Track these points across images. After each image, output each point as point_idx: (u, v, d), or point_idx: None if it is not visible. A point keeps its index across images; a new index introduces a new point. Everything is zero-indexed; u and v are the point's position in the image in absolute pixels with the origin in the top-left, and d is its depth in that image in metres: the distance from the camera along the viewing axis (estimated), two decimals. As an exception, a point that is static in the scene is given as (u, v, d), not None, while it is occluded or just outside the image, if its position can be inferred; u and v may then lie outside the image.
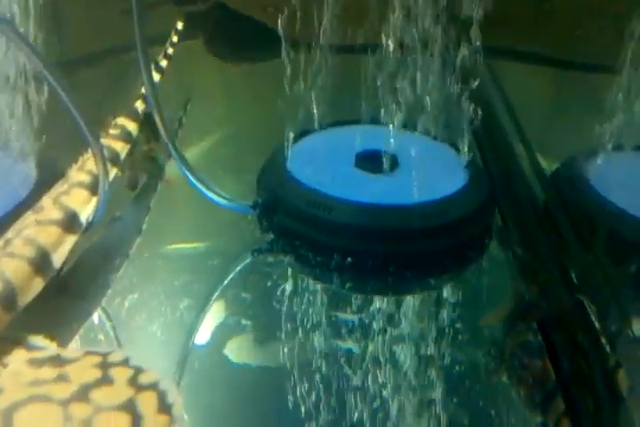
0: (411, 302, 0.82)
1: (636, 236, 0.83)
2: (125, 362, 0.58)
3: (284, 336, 0.74)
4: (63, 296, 0.71)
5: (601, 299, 0.72)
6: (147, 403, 0.53)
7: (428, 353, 0.74)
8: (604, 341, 0.67)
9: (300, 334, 0.74)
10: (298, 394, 0.66)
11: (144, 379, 0.57)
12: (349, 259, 0.84)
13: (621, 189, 0.92)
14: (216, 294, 0.81)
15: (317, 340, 0.73)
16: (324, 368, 0.70)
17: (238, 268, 0.85)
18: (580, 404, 0.61)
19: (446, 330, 0.76)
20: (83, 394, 0.53)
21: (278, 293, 0.80)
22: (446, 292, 0.83)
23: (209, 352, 0.73)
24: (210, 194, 0.88)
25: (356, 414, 0.65)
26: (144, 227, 0.89)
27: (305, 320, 0.76)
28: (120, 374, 0.56)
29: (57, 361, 0.54)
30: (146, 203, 0.92)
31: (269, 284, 0.81)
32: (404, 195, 0.89)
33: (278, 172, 0.92)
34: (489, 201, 0.94)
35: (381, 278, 0.84)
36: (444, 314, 0.79)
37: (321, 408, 0.65)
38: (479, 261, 0.88)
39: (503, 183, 1.01)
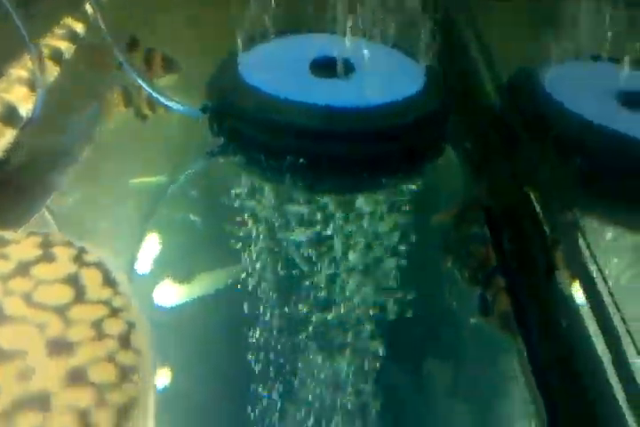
0: (363, 201, 0.82)
1: (583, 135, 0.84)
2: (69, 243, 0.57)
3: (235, 231, 0.74)
4: (9, 190, 0.71)
5: (545, 189, 0.73)
6: (90, 277, 0.53)
7: (380, 247, 0.75)
8: (545, 226, 0.68)
9: (251, 227, 0.74)
10: (249, 286, 0.67)
11: (88, 258, 0.56)
12: (302, 160, 0.84)
13: (573, 94, 0.93)
14: (167, 193, 0.81)
15: (266, 234, 0.74)
16: (270, 260, 0.71)
17: (190, 170, 0.85)
18: (519, 279, 0.62)
19: (398, 226, 0.77)
20: (23, 270, 0.52)
21: (229, 192, 0.80)
22: (399, 192, 0.84)
23: (158, 249, 0.73)
24: (160, 97, 0.87)
25: (309, 296, 0.66)
26: (95, 132, 0.88)
27: (256, 216, 0.76)
28: (63, 253, 0.55)
29: (-2, 241, 0.53)
30: (96, 109, 0.91)
31: (220, 184, 0.81)
32: (358, 98, 0.88)
33: (230, 76, 0.91)
34: (444, 105, 0.94)
35: (334, 179, 0.84)
36: (396, 212, 0.80)
37: (273, 292, 0.66)
38: (433, 162, 0.89)
39: (460, 89, 1.00)
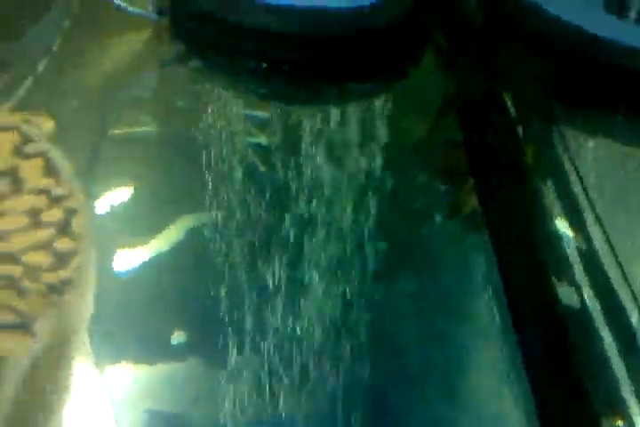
0: (331, 107, 0.79)
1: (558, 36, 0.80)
2: (17, 126, 0.53)
3: (193, 136, 0.71)
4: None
5: (520, 91, 0.70)
6: (31, 168, 0.49)
7: (350, 152, 0.72)
8: (518, 126, 0.66)
9: (210, 132, 0.71)
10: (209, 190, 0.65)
11: (32, 148, 0.51)
12: (264, 65, 0.79)
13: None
14: (120, 99, 0.76)
15: (228, 136, 0.70)
16: (231, 165, 0.67)
17: (145, 76, 0.80)
18: (489, 179, 0.60)
19: (367, 131, 0.74)
20: None
21: (187, 98, 0.76)
22: (369, 97, 0.80)
23: (115, 159, 0.70)
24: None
25: (273, 199, 0.63)
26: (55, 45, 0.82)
27: (215, 121, 0.72)
28: (5, 141, 0.51)
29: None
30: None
31: (178, 90, 0.77)
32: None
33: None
34: (417, 7, 0.88)
35: (299, 85, 0.80)
36: (366, 117, 0.76)
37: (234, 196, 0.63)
38: (407, 67, 0.85)
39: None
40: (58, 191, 0.45)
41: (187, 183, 0.67)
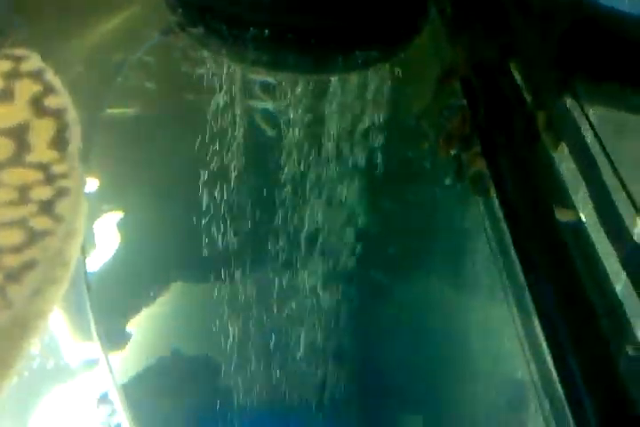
0: (338, 76, 0.78)
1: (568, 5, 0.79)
2: (38, 75, 0.51)
3: (197, 101, 0.70)
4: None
5: (526, 60, 0.69)
6: (41, 131, 0.47)
7: (357, 118, 0.71)
8: (526, 94, 0.65)
9: (213, 96, 0.70)
10: (211, 152, 0.64)
11: (50, 102, 0.49)
12: (267, 32, 0.78)
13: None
14: (125, 65, 0.75)
15: (229, 102, 0.69)
16: (243, 127, 0.66)
17: (149, 42, 0.79)
18: (497, 142, 0.59)
19: (375, 98, 0.73)
20: None
21: (190, 64, 0.74)
22: (375, 65, 0.79)
23: (116, 119, 0.69)
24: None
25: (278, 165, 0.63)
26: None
27: (217, 86, 0.71)
28: (25, 91, 0.49)
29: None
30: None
31: (180, 56, 0.76)
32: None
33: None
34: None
35: (302, 53, 0.79)
36: (374, 87, 0.75)
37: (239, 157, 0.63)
38: (413, 34, 0.84)
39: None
40: (57, 169, 0.43)
41: (192, 153, 0.66)
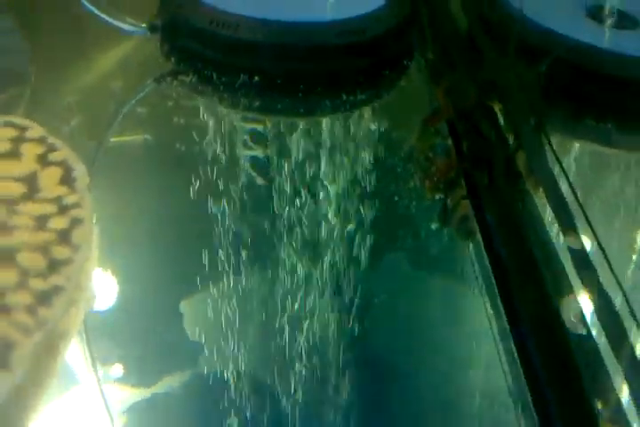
0: (324, 120, 0.80)
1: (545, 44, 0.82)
2: (42, 139, 0.55)
3: (189, 150, 0.72)
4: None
5: (507, 98, 0.71)
6: (49, 176, 0.51)
7: (343, 161, 0.73)
8: (508, 133, 0.67)
9: (205, 146, 0.72)
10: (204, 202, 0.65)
11: (54, 156, 0.53)
12: (257, 78, 0.80)
13: (538, 5, 0.90)
14: (118, 117, 0.77)
15: (224, 149, 0.71)
16: (227, 178, 0.68)
17: (141, 93, 0.81)
18: (480, 184, 0.61)
19: (360, 140, 0.75)
20: None
21: (182, 113, 0.77)
22: (362, 110, 0.81)
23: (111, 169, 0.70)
24: (106, 16, 0.83)
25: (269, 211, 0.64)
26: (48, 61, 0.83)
27: (210, 135, 0.73)
28: (31, 151, 0.53)
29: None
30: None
31: (173, 105, 0.78)
32: (315, 13, 0.84)
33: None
34: (409, 21, 0.90)
35: (291, 98, 0.81)
36: (358, 126, 0.78)
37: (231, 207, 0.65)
38: (396, 80, 0.86)
39: (427, 5, 0.96)
40: (68, 200, 0.47)
41: (185, 198, 0.68)
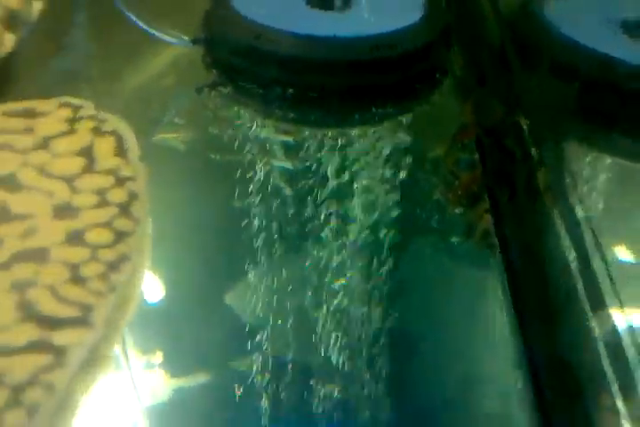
0: (355, 132, 0.83)
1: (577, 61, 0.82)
2: (94, 116, 0.60)
3: (225, 161, 0.75)
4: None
5: (535, 115, 0.72)
6: (103, 147, 0.56)
7: (370, 176, 0.75)
8: (532, 149, 0.68)
9: (240, 157, 0.75)
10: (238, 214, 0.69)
11: (106, 127, 0.58)
12: (291, 91, 0.83)
13: (573, 20, 0.91)
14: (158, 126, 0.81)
15: (254, 163, 0.74)
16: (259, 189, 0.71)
17: (181, 103, 0.85)
18: (501, 199, 0.63)
19: (388, 155, 0.77)
20: (44, 144, 0.54)
21: (221, 124, 0.80)
22: (393, 123, 0.83)
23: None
24: (148, 27, 0.87)
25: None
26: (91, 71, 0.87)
27: (245, 146, 0.77)
28: (85, 126, 0.58)
29: (29, 113, 0.55)
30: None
31: (212, 116, 0.81)
32: (355, 29, 0.87)
33: (224, 8, 0.90)
34: (442, 37, 0.92)
35: (324, 111, 0.84)
36: (389, 143, 0.80)
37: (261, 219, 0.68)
38: (426, 92, 0.88)
39: (460, 21, 0.98)
40: (124, 173, 0.51)
41: (216, 210, 0.71)
